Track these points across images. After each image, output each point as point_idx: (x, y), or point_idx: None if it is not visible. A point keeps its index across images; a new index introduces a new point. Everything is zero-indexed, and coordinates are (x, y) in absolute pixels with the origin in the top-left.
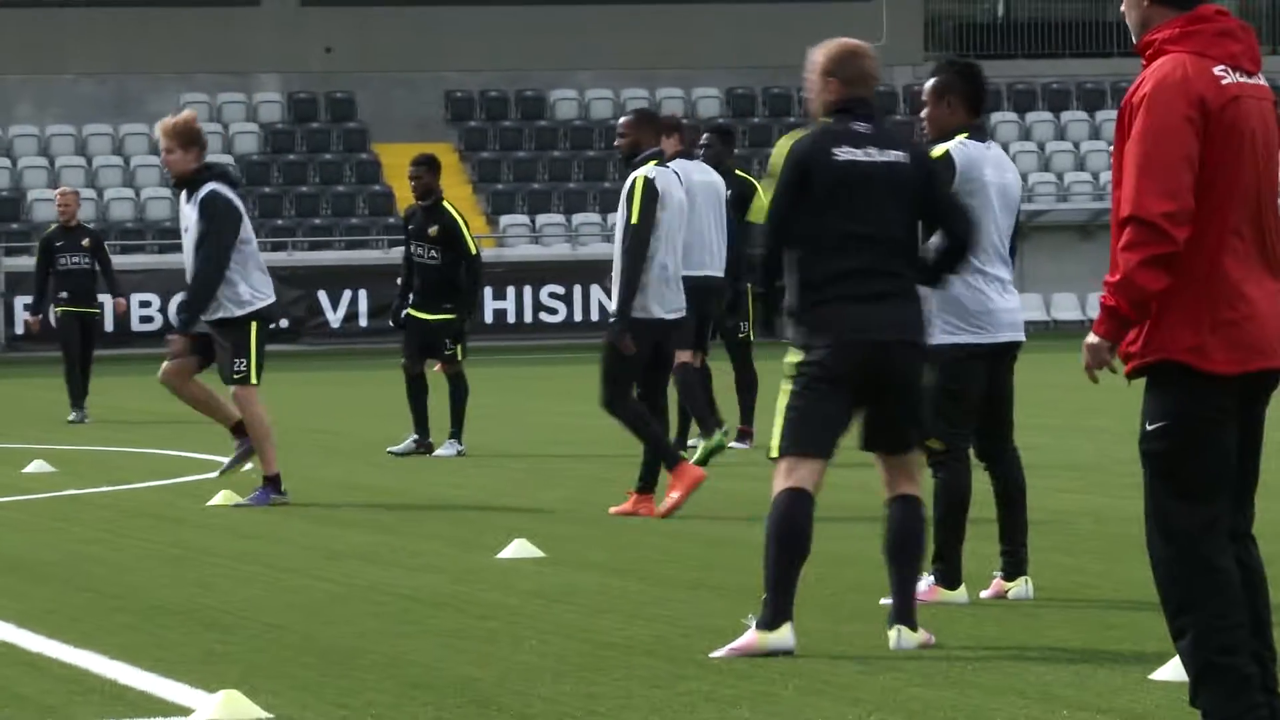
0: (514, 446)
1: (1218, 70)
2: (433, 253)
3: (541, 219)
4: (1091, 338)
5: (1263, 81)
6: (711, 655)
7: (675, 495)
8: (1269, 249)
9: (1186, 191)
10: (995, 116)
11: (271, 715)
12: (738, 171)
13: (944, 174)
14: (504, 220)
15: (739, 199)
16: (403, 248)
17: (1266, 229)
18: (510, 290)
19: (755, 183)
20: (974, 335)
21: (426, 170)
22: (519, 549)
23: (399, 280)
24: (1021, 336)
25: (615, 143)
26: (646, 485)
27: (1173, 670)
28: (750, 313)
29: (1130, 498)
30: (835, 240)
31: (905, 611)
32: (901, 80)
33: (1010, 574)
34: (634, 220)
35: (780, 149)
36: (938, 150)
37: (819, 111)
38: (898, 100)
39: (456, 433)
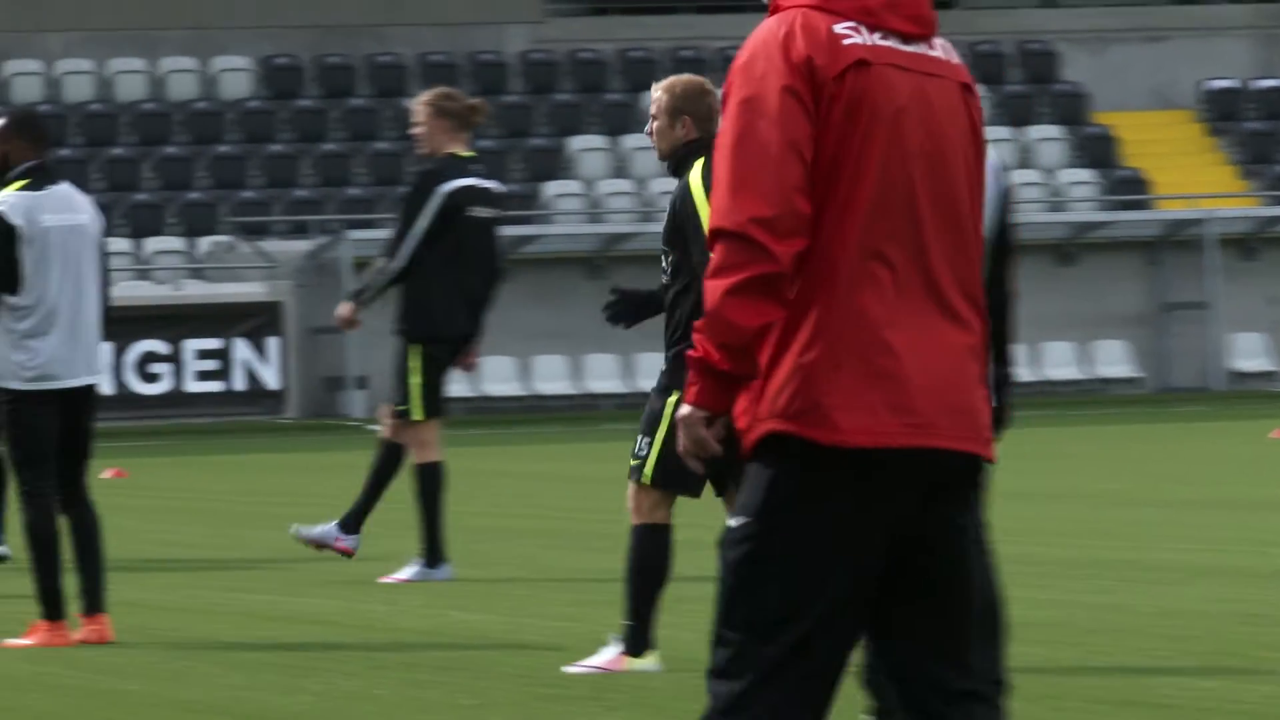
0: None
1: (840, 28)
2: None
3: None
4: (684, 408)
5: (939, 53)
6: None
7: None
8: (938, 282)
9: (792, 190)
10: None
11: None
12: None
13: None
14: None
15: None
16: None
17: (931, 254)
18: None
19: None
20: None
21: None
22: None
23: None
24: None
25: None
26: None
27: None
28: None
29: None
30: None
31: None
32: (514, 46)
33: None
34: None
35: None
36: None
37: (668, 152)
38: (505, 72)
39: None
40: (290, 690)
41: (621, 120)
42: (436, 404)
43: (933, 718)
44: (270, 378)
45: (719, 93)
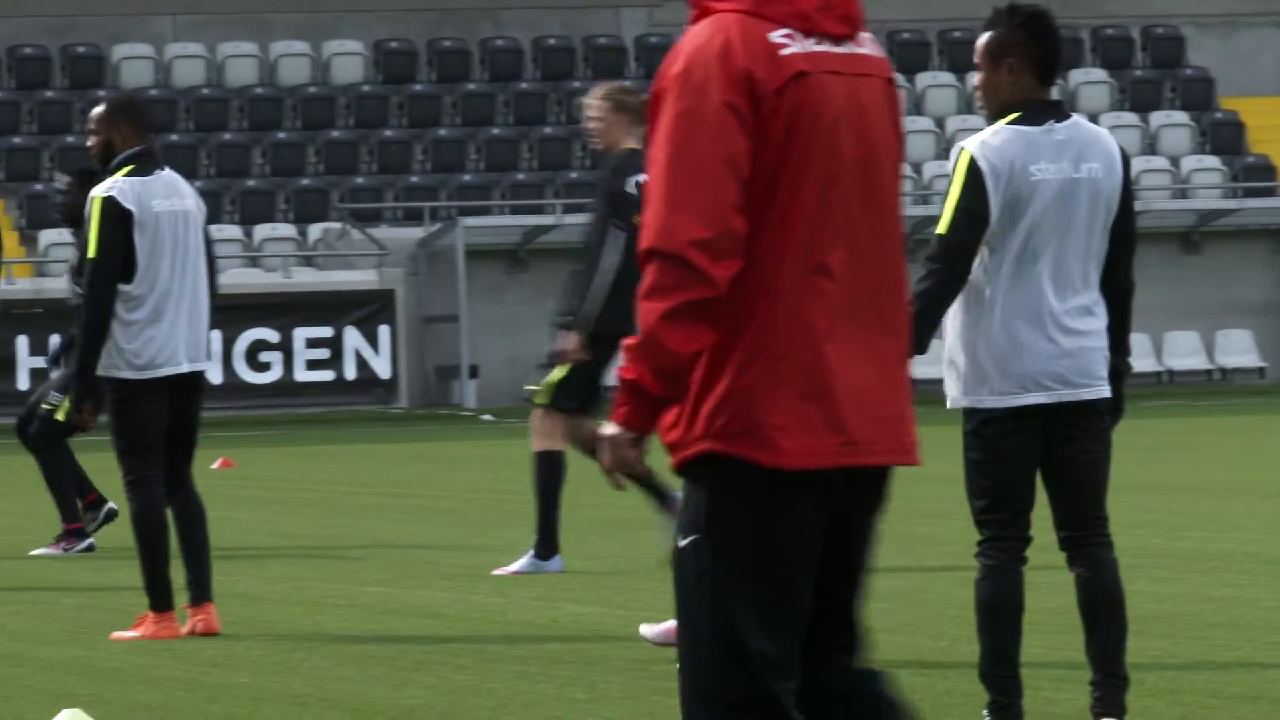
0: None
1: (776, 36)
2: None
3: None
4: (610, 427)
5: (866, 49)
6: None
7: None
8: (875, 289)
9: (730, 210)
10: None
11: None
12: None
13: None
14: (46, 238)
15: None
16: None
17: (868, 260)
18: (56, 341)
19: None
20: None
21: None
22: None
23: None
24: None
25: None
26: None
27: None
28: None
29: None
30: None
31: None
32: (631, 30)
33: None
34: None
35: None
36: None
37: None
38: (623, 57)
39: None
40: (401, 684)
41: None
42: (575, 397)
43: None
44: (381, 367)
45: None
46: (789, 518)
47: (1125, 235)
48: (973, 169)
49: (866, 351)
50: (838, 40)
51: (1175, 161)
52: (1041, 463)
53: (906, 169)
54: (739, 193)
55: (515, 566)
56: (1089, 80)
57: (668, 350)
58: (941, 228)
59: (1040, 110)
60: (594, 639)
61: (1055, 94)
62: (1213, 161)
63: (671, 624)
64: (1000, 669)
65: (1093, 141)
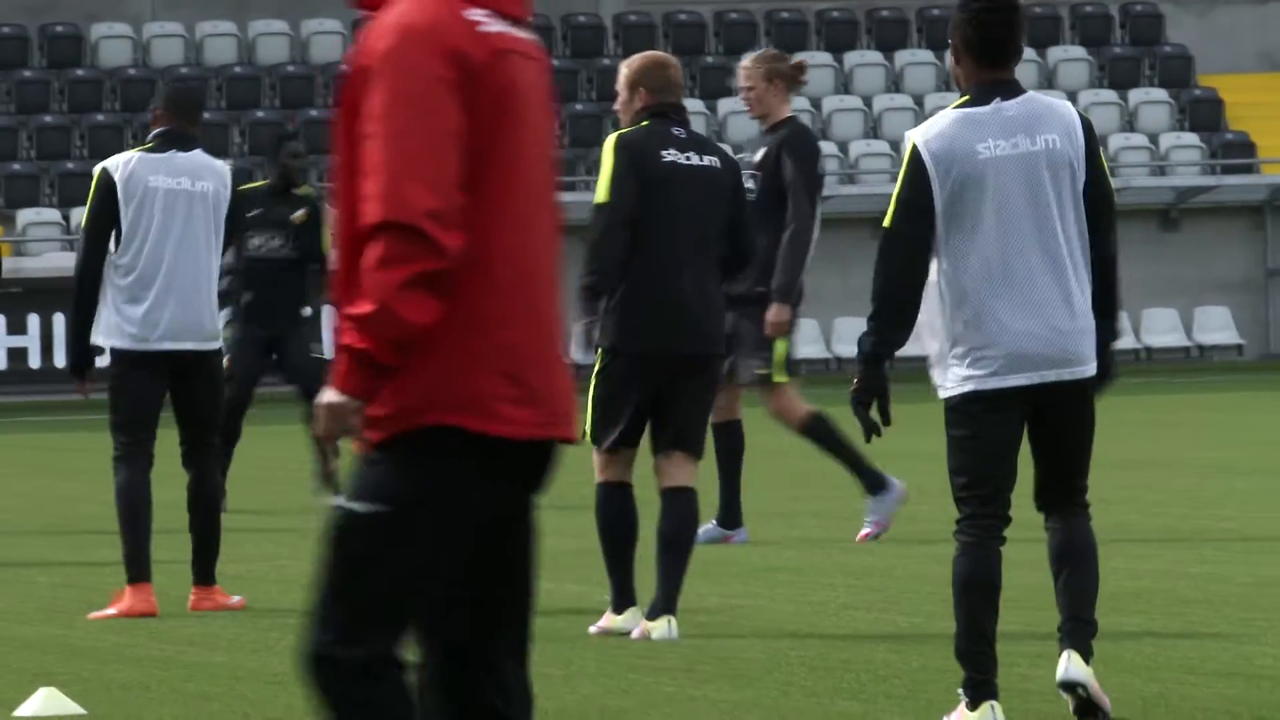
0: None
1: (474, 14)
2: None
3: (80, 215)
4: (333, 395)
5: (529, 35)
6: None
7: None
8: (550, 265)
9: (454, 184)
10: None
11: None
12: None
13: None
14: (24, 218)
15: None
16: None
17: (548, 237)
18: (34, 320)
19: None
20: None
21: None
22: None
23: None
24: None
25: None
26: None
27: None
28: None
29: None
30: (649, 238)
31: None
32: (611, 9)
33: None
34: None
35: (608, 143)
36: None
37: (628, 122)
38: (606, 35)
39: None
40: None
41: (718, 83)
42: (794, 364)
43: (483, 701)
44: None
45: (677, 65)
46: (484, 485)
47: (1100, 200)
48: (914, 160)
49: (547, 324)
50: (516, 23)
51: (1154, 139)
52: (1028, 433)
53: (885, 146)
54: (460, 168)
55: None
56: (1068, 58)
57: (402, 321)
58: (886, 221)
59: (988, 90)
60: (571, 616)
61: (1033, 73)
62: (1191, 139)
63: (654, 625)
64: (976, 645)
65: (1046, 112)
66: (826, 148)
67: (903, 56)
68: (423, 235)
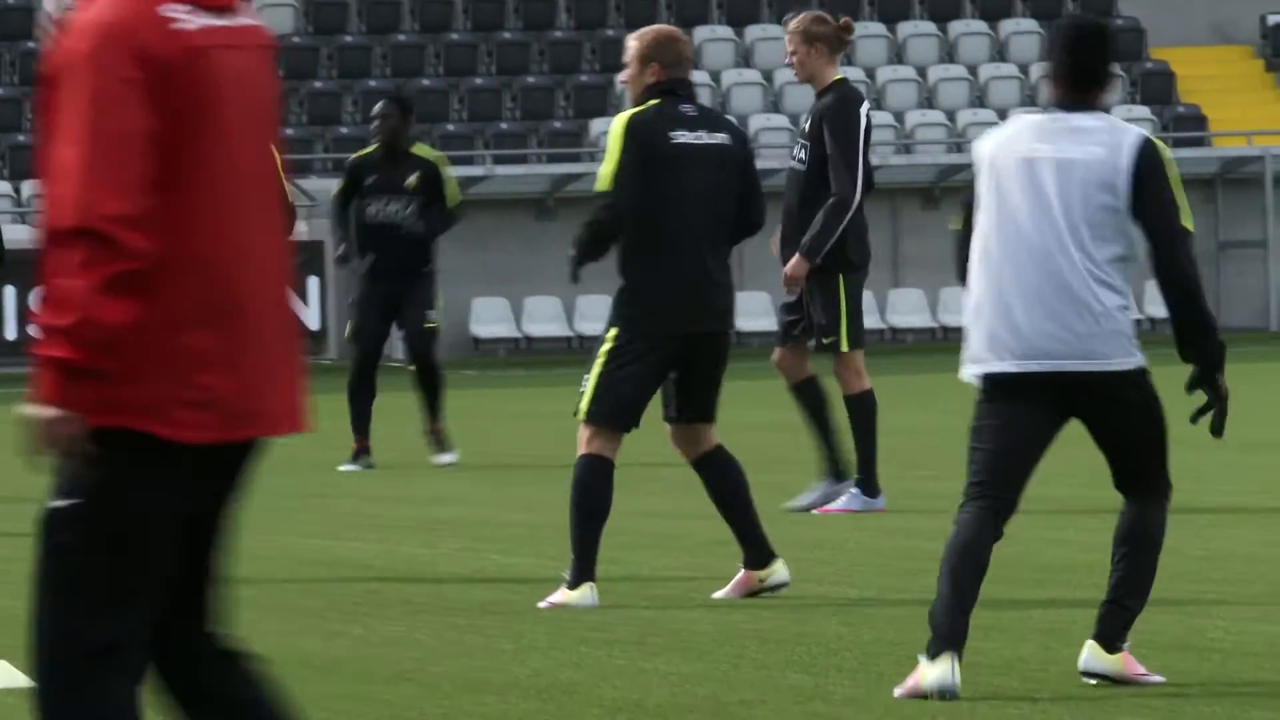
0: None
1: (168, 11)
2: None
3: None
4: (45, 411)
5: (249, 20)
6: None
7: None
8: (264, 261)
9: (143, 185)
10: None
11: None
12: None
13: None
14: (29, 189)
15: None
16: None
17: (261, 235)
18: None
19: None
20: None
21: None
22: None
23: None
24: None
25: None
26: None
27: None
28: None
29: None
30: (663, 220)
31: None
32: None
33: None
34: None
35: (616, 125)
36: None
37: (637, 97)
38: (608, 6)
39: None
40: (330, 635)
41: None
42: (860, 333)
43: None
44: (310, 318)
45: (688, 40)
46: (176, 484)
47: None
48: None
49: (265, 325)
50: (221, 13)
51: (1106, 112)
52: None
53: (940, 116)
54: (148, 169)
55: (837, 505)
56: (1019, 30)
57: (100, 324)
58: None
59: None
60: (521, 589)
61: (984, 46)
62: (1143, 111)
63: (768, 571)
64: (951, 615)
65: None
66: (881, 117)
67: (956, 27)
68: (112, 239)
